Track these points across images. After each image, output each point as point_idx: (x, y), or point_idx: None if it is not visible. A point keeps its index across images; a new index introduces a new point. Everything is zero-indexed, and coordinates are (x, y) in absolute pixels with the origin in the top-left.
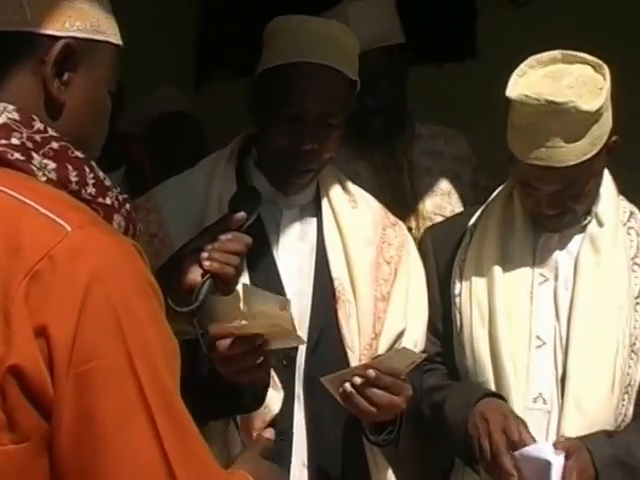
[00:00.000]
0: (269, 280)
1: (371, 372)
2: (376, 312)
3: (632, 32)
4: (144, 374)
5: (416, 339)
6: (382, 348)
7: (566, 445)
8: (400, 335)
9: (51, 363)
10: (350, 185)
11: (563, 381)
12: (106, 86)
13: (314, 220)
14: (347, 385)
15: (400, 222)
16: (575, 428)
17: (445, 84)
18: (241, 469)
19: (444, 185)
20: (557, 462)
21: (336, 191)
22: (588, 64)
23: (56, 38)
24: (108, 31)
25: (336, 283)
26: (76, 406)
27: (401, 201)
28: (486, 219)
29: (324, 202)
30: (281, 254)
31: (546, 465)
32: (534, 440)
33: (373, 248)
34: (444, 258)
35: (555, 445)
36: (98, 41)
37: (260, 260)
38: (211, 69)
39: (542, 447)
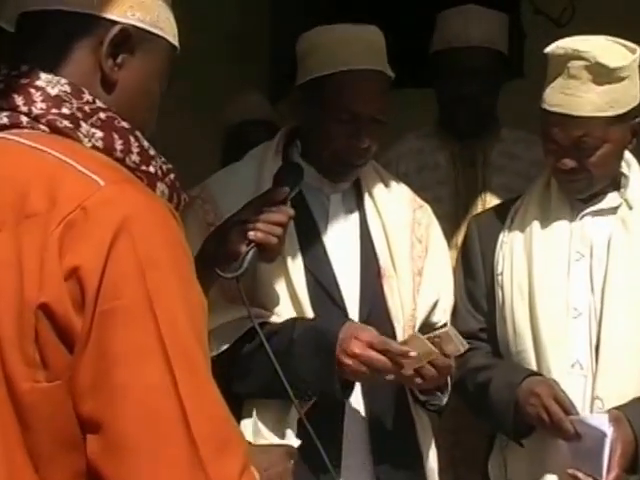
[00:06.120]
0: (320, 262)
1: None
2: (414, 286)
3: None
4: (163, 319)
5: (445, 306)
6: (420, 318)
7: (612, 415)
8: (434, 306)
9: (83, 304)
10: (382, 170)
11: (597, 349)
12: (159, 80)
13: (355, 204)
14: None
15: (425, 204)
16: (608, 391)
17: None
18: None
19: (515, 185)
20: (610, 434)
21: (372, 176)
22: (623, 45)
23: (115, 22)
24: (166, 29)
25: (381, 261)
26: (94, 343)
27: (472, 193)
28: (526, 204)
29: (363, 187)
30: (329, 237)
31: (601, 436)
32: (574, 407)
33: (408, 228)
34: (488, 242)
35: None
36: (155, 34)
37: (311, 244)
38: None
39: (600, 418)
